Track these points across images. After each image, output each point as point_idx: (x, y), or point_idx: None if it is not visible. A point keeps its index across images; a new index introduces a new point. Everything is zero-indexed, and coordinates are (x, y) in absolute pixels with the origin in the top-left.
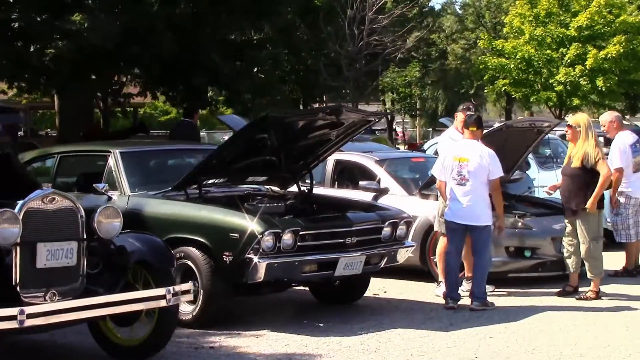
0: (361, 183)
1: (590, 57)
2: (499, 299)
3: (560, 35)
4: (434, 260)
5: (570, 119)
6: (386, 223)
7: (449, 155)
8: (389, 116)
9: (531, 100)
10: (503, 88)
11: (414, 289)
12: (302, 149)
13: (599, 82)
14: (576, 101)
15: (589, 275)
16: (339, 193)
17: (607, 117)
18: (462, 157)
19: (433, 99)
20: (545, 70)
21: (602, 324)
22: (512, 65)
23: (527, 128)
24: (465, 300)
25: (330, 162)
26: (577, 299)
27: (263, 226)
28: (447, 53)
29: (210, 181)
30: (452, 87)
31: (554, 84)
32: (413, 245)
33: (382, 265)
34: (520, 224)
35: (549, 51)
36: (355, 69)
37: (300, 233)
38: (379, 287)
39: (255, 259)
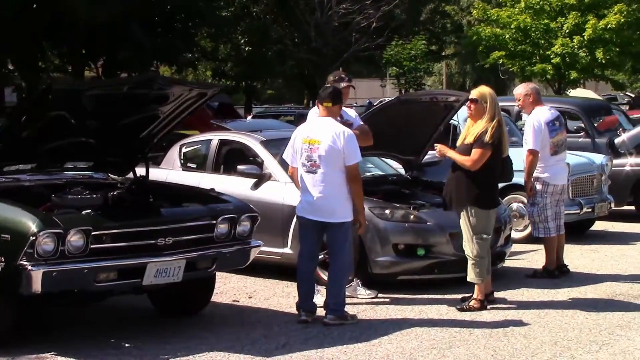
0: (239, 167)
1: (589, 27)
2: (376, 309)
3: (559, 4)
4: (320, 259)
5: (474, 91)
6: (219, 219)
7: (298, 135)
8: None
9: (525, 73)
10: (500, 61)
11: (289, 292)
12: (127, 128)
13: (599, 54)
14: (574, 74)
15: (469, 277)
16: (216, 180)
17: (521, 89)
18: (312, 139)
19: (460, 73)
20: (543, 41)
21: (477, 346)
22: (507, 36)
23: (431, 102)
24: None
25: (214, 142)
26: (459, 309)
27: (38, 225)
28: (463, 26)
29: (15, 167)
30: (473, 61)
31: (551, 56)
32: (259, 245)
33: (215, 270)
34: (412, 217)
35: (547, 20)
36: (325, 39)
37: (94, 233)
38: (248, 291)
39: (28, 266)
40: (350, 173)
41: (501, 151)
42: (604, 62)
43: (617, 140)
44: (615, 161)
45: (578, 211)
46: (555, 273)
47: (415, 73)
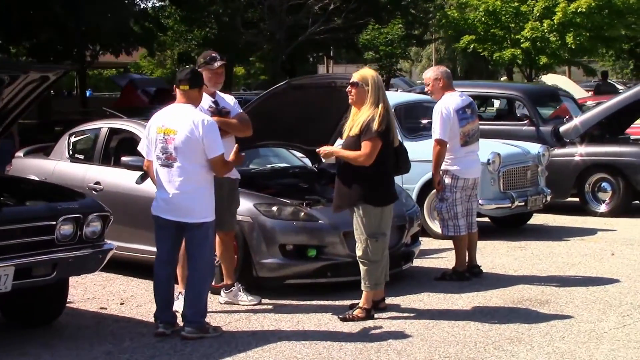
0: (123, 159)
1: (559, 10)
2: (252, 318)
3: None
4: None
5: (355, 74)
6: (60, 219)
7: (153, 125)
8: None
9: (494, 57)
10: (471, 45)
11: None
12: None
13: (569, 39)
14: (544, 59)
15: (362, 285)
16: (104, 172)
17: (431, 73)
18: (167, 129)
19: (450, 59)
20: (513, 25)
21: None
22: (475, 19)
23: (330, 87)
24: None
25: (103, 131)
26: (341, 319)
27: None
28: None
29: None
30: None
31: (521, 40)
32: (112, 248)
33: (58, 277)
34: (302, 214)
35: (517, 3)
36: (277, 21)
37: None
38: (124, 296)
39: None
40: (214, 167)
41: (391, 140)
42: (573, 47)
43: (562, 129)
44: (562, 150)
45: (509, 205)
46: (466, 275)
47: (391, 58)
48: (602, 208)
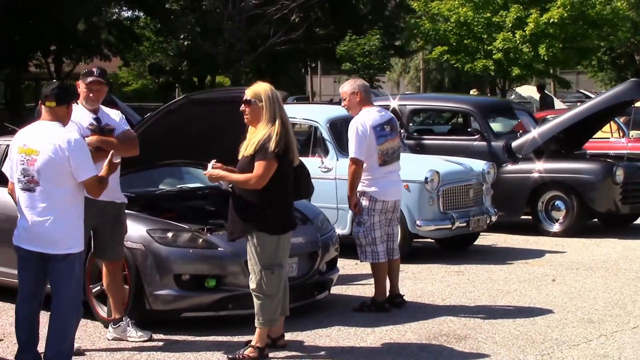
0: None
1: (531, 21)
2: (136, 357)
3: None
4: (96, 291)
5: (247, 90)
6: None
7: (14, 143)
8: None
9: (465, 69)
10: (445, 57)
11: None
12: None
13: (541, 50)
14: (516, 71)
15: (256, 321)
16: None
17: (347, 87)
18: (29, 148)
19: (437, 69)
20: (486, 36)
21: None
22: (447, 30)
23: (232, 101)
24: None
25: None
26: (230, 359)
27: None
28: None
29: None
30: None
31: (493, 51)
32: None
33: None
34: (200, 241)
35: (488, 14)
36: (236, 32)
37: None
38: (7, 331)
39: None
40: (89, 190)
41: (290, 160)
42: (546, 58)
43: (515, 144)
44: (515, 167)
45: (449, 226)
46: (386, 306)
47: (369, 70)
48: (556, 227)
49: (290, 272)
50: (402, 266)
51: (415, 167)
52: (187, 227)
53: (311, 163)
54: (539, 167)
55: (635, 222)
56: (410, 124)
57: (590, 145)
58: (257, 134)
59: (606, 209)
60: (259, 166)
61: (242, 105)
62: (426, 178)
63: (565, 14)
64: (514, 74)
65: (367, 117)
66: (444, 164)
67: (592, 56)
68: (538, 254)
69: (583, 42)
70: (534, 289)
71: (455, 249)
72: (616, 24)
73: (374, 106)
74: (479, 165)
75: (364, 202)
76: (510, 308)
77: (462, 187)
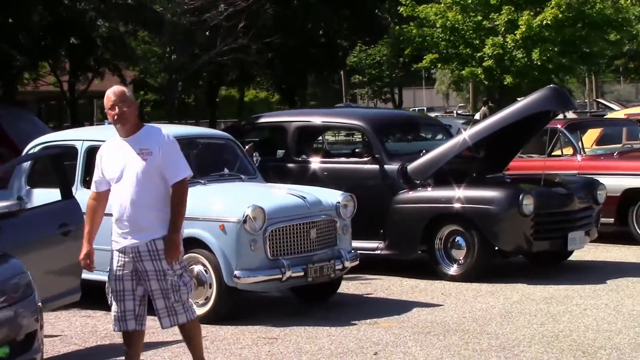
0: None
1: (522, 23)
2: None
3: None
4: None
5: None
6: None
7: None
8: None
9: (453, 77)
10: (438, 65)
11: None
12: None
13: (535, 55)
14: (509, 79)
15: None
16: None
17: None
18: None
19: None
20: (478, 42)
21: None
22: (435, 36)
23: None
24: None
25: None
26: None
27: None
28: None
29: None
30: None
31: (484, 57)
32: None
33: None
34: None
35: (479, 17)
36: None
37: None
38: None
39: None
40: None
41: None
42: (539, 63)
43: (411, 167)
44: (408, 195)
45: (279, 276)
46: None
47: (380, 82)
48: (453, 270)
49: None
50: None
51: (232, 202)
52: None
53: None
54: (435, 196)
55: (570, 258)
56: (296, 144)
57: (535, 165)
58: None
59: (514, 247)
60: None
61: None
62: (245, 216)
63: (561, 15)
64: (506, 82)
65: None
66: (274, 197)
67: (597, 61)
68: (401, 308)
69: (585, 46)
70: None
71: (318, 299)
72: (621, 24)
73: None
74: (332, 196)
75: None
76: None
77: (300, 226)
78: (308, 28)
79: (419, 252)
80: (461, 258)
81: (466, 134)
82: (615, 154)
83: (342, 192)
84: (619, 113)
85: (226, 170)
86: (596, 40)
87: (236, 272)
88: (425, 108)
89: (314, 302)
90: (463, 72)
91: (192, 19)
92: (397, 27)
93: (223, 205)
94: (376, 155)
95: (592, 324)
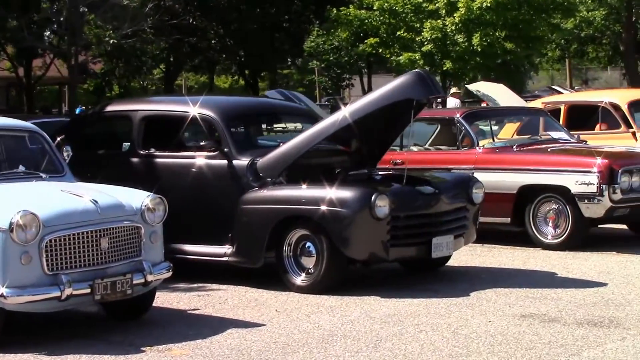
0: None
1: (462, 5)
2: None
3: None
4: None
5: None
6: None
7: None
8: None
9: (389, 63)
10: (379, 49)
11: None
12: None
13: (475, 40)
14: (448, 64)
15: None
16: None
17: None
18: None
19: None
20: (418, 25)
21: None
22: (372, 18)
23: None
24: None
25: None
26: None
27: None
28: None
29: None
30: None
31: (424, 42)
32: None
33: None
34: None
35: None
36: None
37: None
38: None
39: None
40: None
41: None
42: (479, 48)
43: (260, 163)
44: (254, 195)
45: (57, 294)
46: None
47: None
48: (300, 279)
49: None
50: None
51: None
52: None
53: None
54: (282, 195)
55: (453, 263)
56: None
57: (434, 158)
58: None
59: (367, 255)
60: None
61: None
62: (11, 224)
63: None
64: (445, 68)
65: None
66: (57, 201)
67: (541, 46)
68: (215, 329)
69: (529, 30)
70: None
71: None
72: (567, 7)
73: None
74: (137, 199)
75: None
76: None
77: (86, 235)
78: (271, 13)
79: (267, 258)
80: (311, 267)
81: (314, 129)
82: (515, 147)
83: (150, 193)
84: (536, 102)
85: (21, 168)
86: (540, 24)
87: (3, 291)
88: None
89: (129, 320)
90: (400, 58)
91: None
92: (335, 10)
93: None
94: (225, 149)
95: (414, 351)
